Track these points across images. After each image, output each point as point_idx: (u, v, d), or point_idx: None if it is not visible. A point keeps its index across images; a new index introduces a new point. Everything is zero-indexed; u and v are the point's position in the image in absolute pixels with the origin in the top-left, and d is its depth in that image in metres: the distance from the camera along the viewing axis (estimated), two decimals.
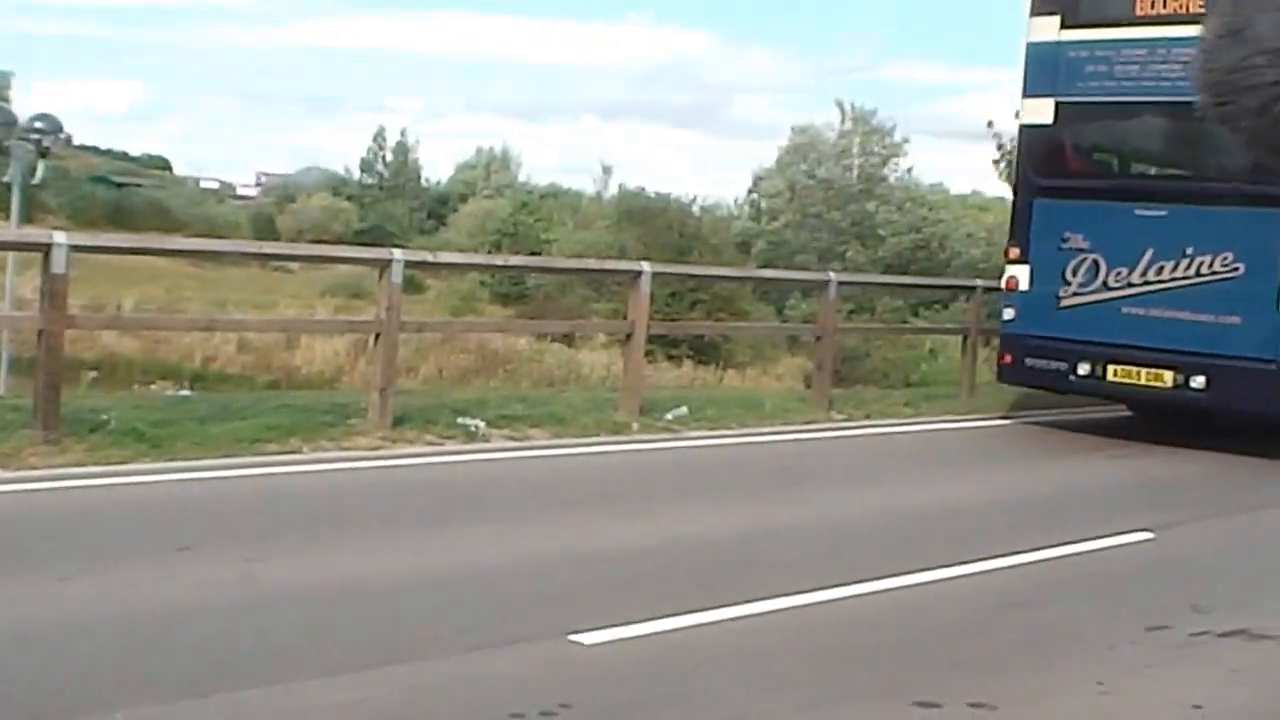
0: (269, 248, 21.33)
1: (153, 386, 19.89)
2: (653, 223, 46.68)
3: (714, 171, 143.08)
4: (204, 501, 9.74)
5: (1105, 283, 15.29)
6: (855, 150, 51.74)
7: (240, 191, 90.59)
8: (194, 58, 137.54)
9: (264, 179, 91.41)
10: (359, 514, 9.59)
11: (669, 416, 14.70)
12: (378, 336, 13.00)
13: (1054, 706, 6.42)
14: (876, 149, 52.15)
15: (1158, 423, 16.01)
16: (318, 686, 5.95)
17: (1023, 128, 16.49)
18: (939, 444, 15.29)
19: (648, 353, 16.56)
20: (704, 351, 34.22)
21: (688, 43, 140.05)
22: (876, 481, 12.57)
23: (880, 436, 15.41)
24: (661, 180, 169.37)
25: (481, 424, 13.04)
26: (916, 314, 37.16)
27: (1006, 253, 16.73)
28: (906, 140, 53.24)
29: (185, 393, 17.44)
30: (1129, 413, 17.14)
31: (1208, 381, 14.58)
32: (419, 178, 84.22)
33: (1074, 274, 15.49)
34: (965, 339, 19.22)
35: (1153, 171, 15.42)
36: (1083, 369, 15.38)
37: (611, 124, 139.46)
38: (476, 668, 6.37)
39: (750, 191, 56.40)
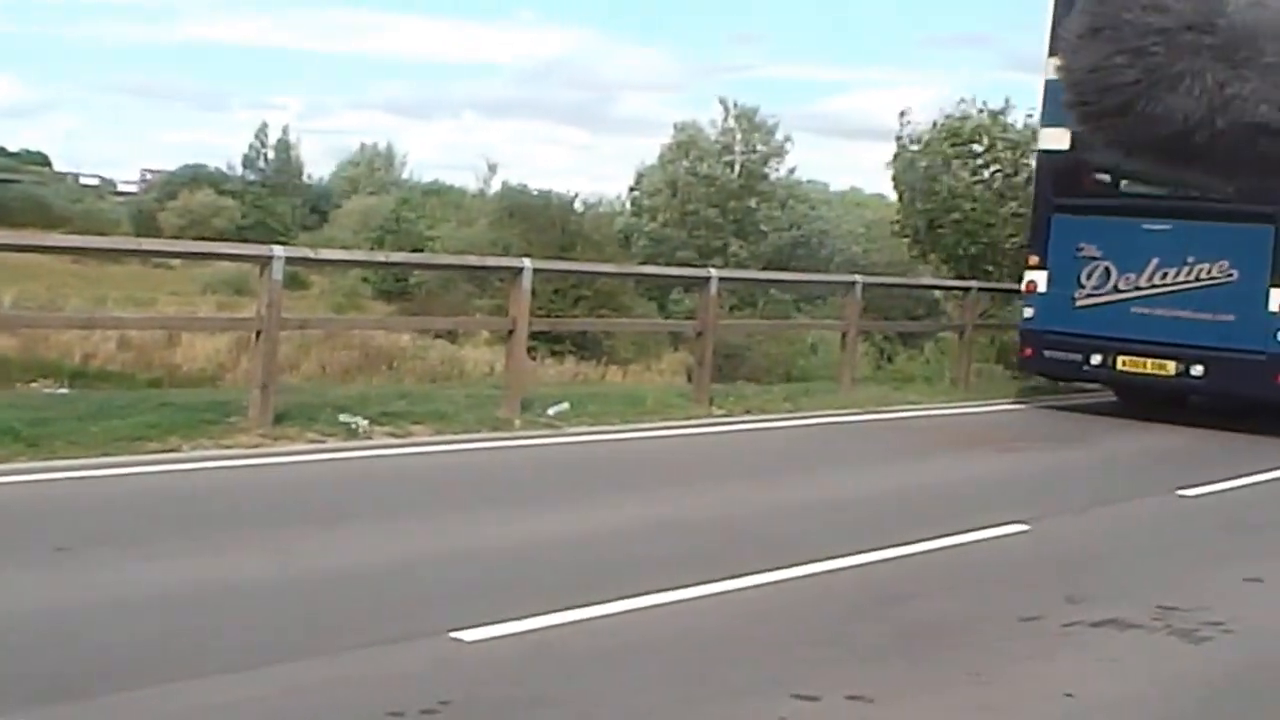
0: (149, 244, 21.15)
1: (31, 385, 19.59)
2: (535, 219, 46.59)
3: (599, 168, 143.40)
4: (82, 501, 9.60)
5: (1116, 286, 17.58)
6: (737, 148, 51.96)
7: (122, 188, 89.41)
8: (74, 54, 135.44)
9: (150, 176, 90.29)
10: (238, 513, 9.52)
11: (551, 413, 14.73)
12: (259, 334, 12.92)
13: (931, 699, 6.53)
14: (759, 146, 52.41)
15: (1140, 407, 18.14)
16: (196, 688, 5.92)
17: (1041, 152, 19.22)
18: (818, 439, 15.43)
19: (531, 349, 16.59)
20: (587, 348, 34.20)
21: (574, 39, 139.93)
22: (755, 477, 12.64)
23: (760, 432, 15.52)
24: (546, 177, 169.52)
25: (363, 421, 13.00)
26: (799, 310, 37.44)
27: (1026, 260, 19.08)
28: (788, 138, 53.57)
29: (63, 391, 17.20)
30: (1007, 407, 17.61)
31: (1205, 370, 16.91)
32: (302, 174, 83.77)
33: (1088, 278, 17.78)
34: (845, 335, 19.43)
35: (1158, 191, 16.60)
36: (1095, 360, 17.73)
37: (496, 121, 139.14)
38: (357, 666, 6.38)
39: (632, 189, 56.54)
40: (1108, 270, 17.65)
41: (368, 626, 6.96)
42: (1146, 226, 17.33)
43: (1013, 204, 39.31)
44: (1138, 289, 17.44)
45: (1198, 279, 17.06)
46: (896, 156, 39.97)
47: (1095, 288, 17.72)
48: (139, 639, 6.55)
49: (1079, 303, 17.86)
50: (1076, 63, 1.50)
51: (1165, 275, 17.25)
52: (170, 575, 7.64)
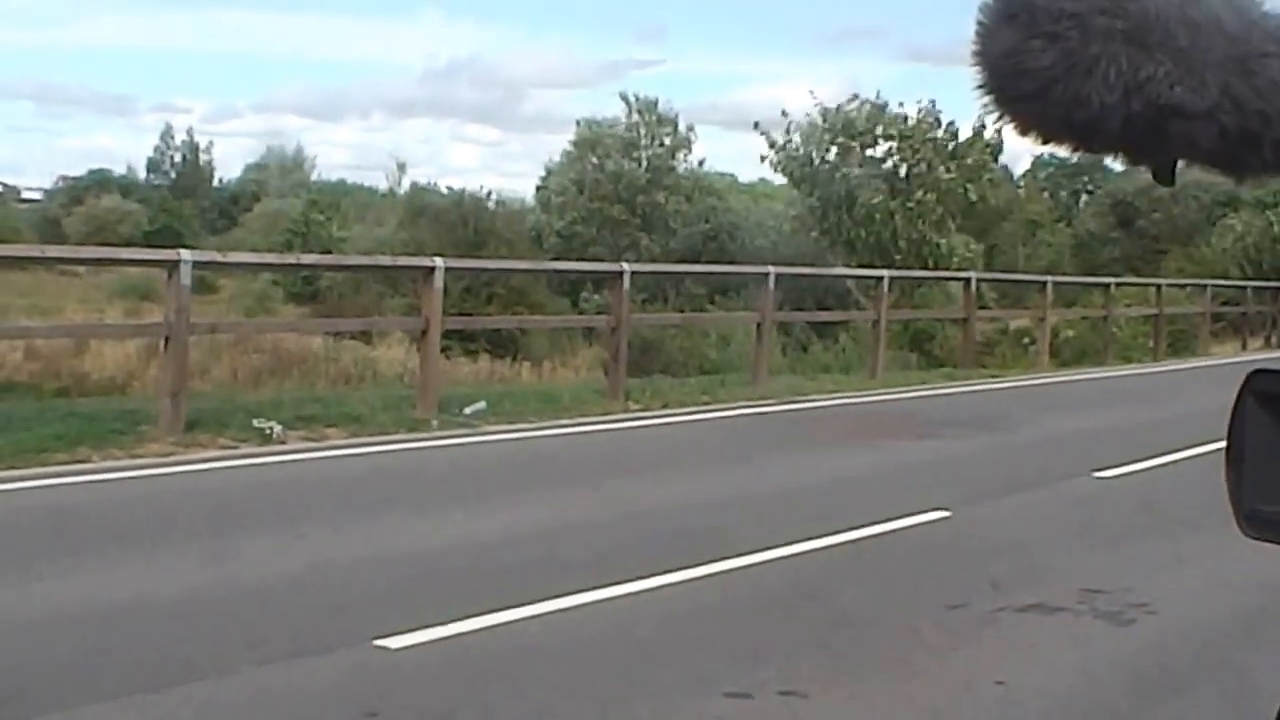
0: (53, 251, 20.81)
1: None
2: (446, 218, 46.41)
3: (510, 165, 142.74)
4: None
5: None
6: (642, 142, 52.01)
7: (26, 195, 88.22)
8: None
9: (61, 182, 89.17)
10: (149, 524, 9.35)
11: (467, 412, 14.65)
12: (168, 340, 12.78)
13: (864, 691, 6.49)
14: (664, 140, 52.46)
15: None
16: (106, 710, 5.76)
17: None
18: (734, 431, 15.43)
19: (445, 348, 16.50)
20: (501, 345, 34.05)
21: (482, 37, 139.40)
22: (674, 470, 12.61)
23: (677, 425, 15.51)
24: (457, 175, 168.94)
25: (277, 426, 12.87)
26: (711, 303, 37.51)
27: None
28: (691, 129, 53.63)
29: None
30: (922, 394, 17.64)
31: None
32: (209, 178, 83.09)
33: None
34: (759, 325, 19.44)
35: None
36: None
37: (405, 120, 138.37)
38: (279, 679, 6.25)
39: (539, 187, 56.48)
40: None
41: (288, 637, 6.84)
42: None
43: (915, 194, 39.83)
44: None
45: None
46: (773, 148, 40.29)
47: None
48: (48, 659, 6.37)
49: None
50: (989, 48, 1.46)
51: None
52: (80, 591, 7.48)
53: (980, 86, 1.51)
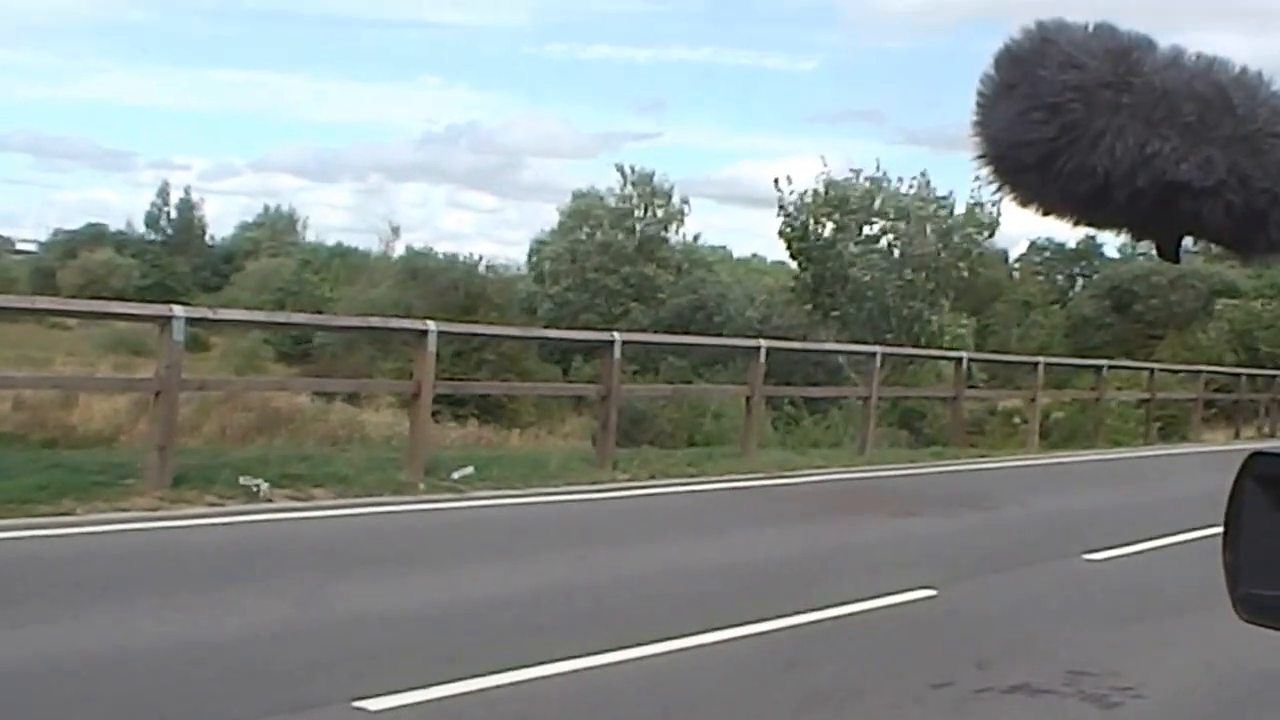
0: (45, 302, 20.75)
1: None
2: (438, 282, 46.53)
3: (505, 233, 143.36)
4: None
5: None
6: (636, 213, 52.30)
7: (20, 246, 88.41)
8: None
9: (57, 235, 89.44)
10: (132, 578, 9.31)
11: (455, 476, 14.61)
12: (158, 394, 12.75)
13: None
14: (657, 211, 52.77)
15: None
16: None
17: None
18: (722, 503, 15.38)
19: (434, 412, 16.47)
20: (490, 411, 34.05)
21: (480, 104, 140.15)
22: (660, 541, 12.58)
23: (664, 496, 15.47)
24: (451, 241, 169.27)
25: (264, 484, 12.82)
26: (699, 374, 37.53)
27: None
28: (685, 202, 53.94)
29: None
30: (911, 471, 17.60)
31: None
32: (204, 235, 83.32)
33: None
34: (749, 400, 19.43)
35: None
36: None
37: (401, 184, 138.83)
38: None
39: (530, 255, 56.78)
40: None
41: (268, 696, 6.78)
42: None
43: (907, 271, 40.01)
44: None
45: None
46: (783, 220, 40.61)
47: None
48: (24, 708, 6.32)
49: None
50: (991, 119, 1.46)
51: None
52: (59, 642, 7.42)
53: (980, 157, 1.51)
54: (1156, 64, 1.41)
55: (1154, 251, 1.55)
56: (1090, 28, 1.46)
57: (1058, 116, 1.42)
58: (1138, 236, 1.53)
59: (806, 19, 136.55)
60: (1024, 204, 1.49)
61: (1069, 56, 1.41)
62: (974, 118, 1.49)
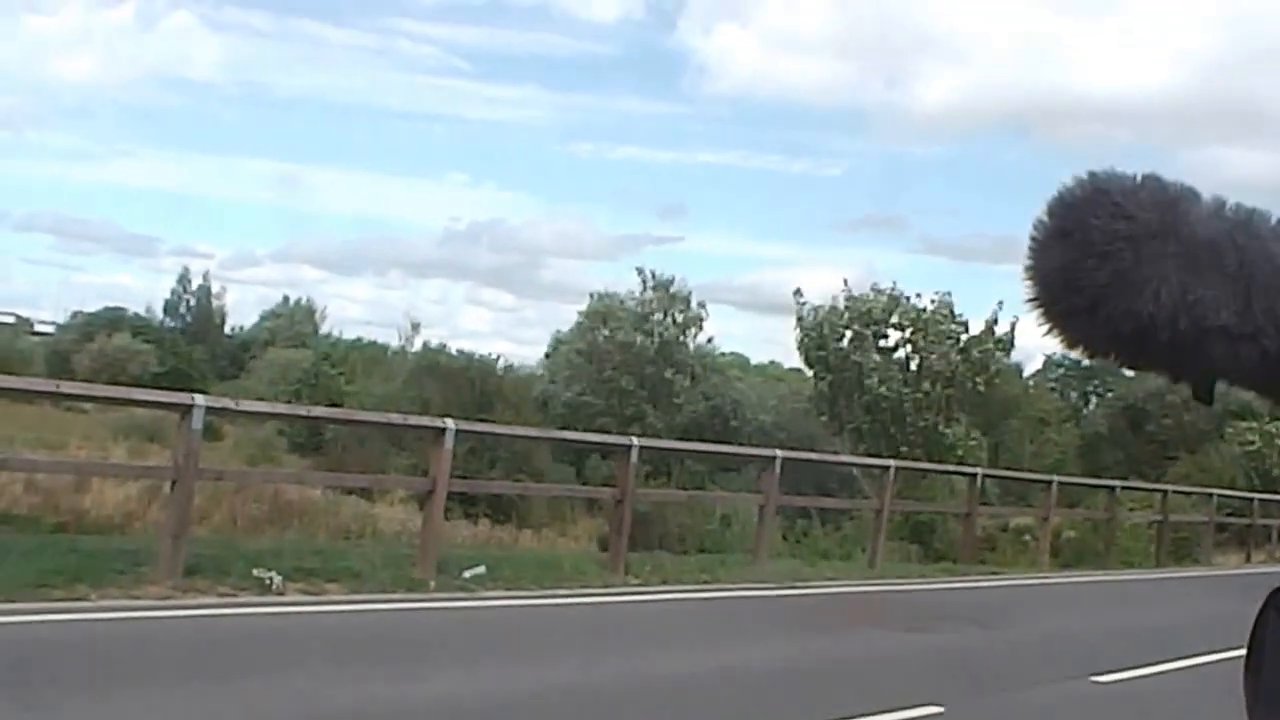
0: (66, 387, 20.87)
1: None
2: (454, 379, 46.70)
3: (522, 331, 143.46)
4: None
5: None
6: (655, 317, 52.56)
7: (38, 327, 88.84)
8: None
9: (77, 317, 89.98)
10: (144, 666, 9.35)
11: (466, 575, 14.64)
12: (174, 483, 12.82)
13: None
14: (676, 316, 53.04)
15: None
16: None
17: None
18: (732, 611, 15.38)
19: (446, 509, 16.51)
20: (502, 510, 34.07)
21: (504, 202, 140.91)
22: (669, 646, 12.57)
23: (676, 602, 15.49)
24: (468, 338, 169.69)
25: (277, 577, 12.86)
26: (712, 480, 37.54)
27: None
28: (703, 307, 54.24)
29: None
30: (922, 586, 17.61)
31: None
32: (222, 323, 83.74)
33: None
34: (762, 508, 19.47)
35: None
36: None
37: (421, 280, 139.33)
38: None
39: (547, 355, 57.02)
40: None
41: None
42: None
43: (924, 384, 40.11)
44: None
45: None
46: (801, 334, 40.85)
47: None
48: None
49: None
50: (1042, 263, 1.54)
51: None
52: None
53: (1031, 300, 1.58)
54: (1201, 214, 1.48)
55: (1190, 392, 1.59)
56: (1139, 178, 1.54)
57: (1108, 264, 1.49)
58: (1175, 379, 1.58)
59: (834, 123, 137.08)
60: (1072, 345, 1.55)
61: (1119, 207, 1.48)
62: (1026, 261, 1.56)
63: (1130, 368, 1.63)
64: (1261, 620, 1.59)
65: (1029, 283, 1.58)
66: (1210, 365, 1.53)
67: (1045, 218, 1.55)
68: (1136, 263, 1.49)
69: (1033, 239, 1.57)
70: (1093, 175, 1.54)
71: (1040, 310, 1.57)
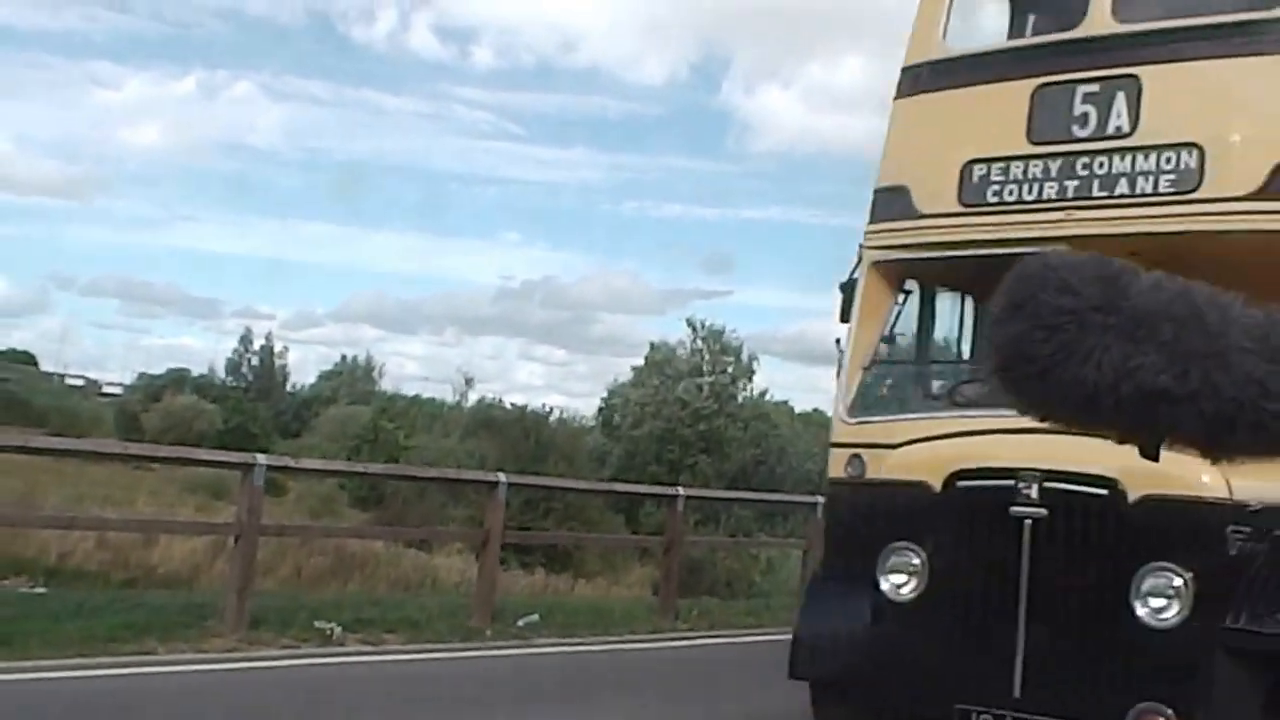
0: (135, 448, 21.42)
1: (5, 582, 19.61)
2: (509, 432, 46.91)
3: (574, 385, 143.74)
4: (56, 701, 9.60)
5: None
6: (706, 368, 52.58)
7: (106, 389, 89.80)
8: (66, 257, 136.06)
9: (143, 378, 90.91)
10: (213, 717, 9.64)
11: (520, 624, 14.96)
12: (238, 538, 13.15)
13: None
14: (728, 368, 53.07)
15: None
16: None
17: None
18: (778, 655, 15.49)
19: (501, 559, 16.79)
20: (556, 559, 34.22)
21: (555, 260, 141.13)
22: (719, 691, 12.70)
23: (724, 646, 15.72)
24: (522, 393, 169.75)
25: (338, 628, 13.19)
26: (760, 527, 37.60)
27: None
28: (755, 358, 54.32)
29: (39, 590, 17.29)
30: None
31: None
32: (284, 382, 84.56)
33: None
34: (805, 553, 19.75)
35: None
36: None
37: (476, 337, 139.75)
38: None
39: (601, 408, 57.10)
40: None
41: None
42: None
43: None
44: None
45: None
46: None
47: None
48: None
49: None
50: (1000, 335, 1.68)
51: None
52: None
53: (992, 368, 1.77)
54: (1141, 287, 1.67)
55: (1138, 451, 1.75)
56: (1085, 257, 1.71)
57: (1055, 335, 1.68)
58: (1123, 439, 1.77)
59: (872, 178, 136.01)
60: (1026, 410, 1.75)
61: (1065, 283, 1.66)
62: (987, 332, 1.82)
63: (1084, 431, 1.76)
64: None
65: (989, 352, 1.74)
66: (1154, 426, 1.69)
67: (1003, 293, 1.73)
68: (1080, 334, 1.63)
69: (992, 312, 1.75)
70: (1043, 255, 1.70)
71: (998, 377, 1.74)
